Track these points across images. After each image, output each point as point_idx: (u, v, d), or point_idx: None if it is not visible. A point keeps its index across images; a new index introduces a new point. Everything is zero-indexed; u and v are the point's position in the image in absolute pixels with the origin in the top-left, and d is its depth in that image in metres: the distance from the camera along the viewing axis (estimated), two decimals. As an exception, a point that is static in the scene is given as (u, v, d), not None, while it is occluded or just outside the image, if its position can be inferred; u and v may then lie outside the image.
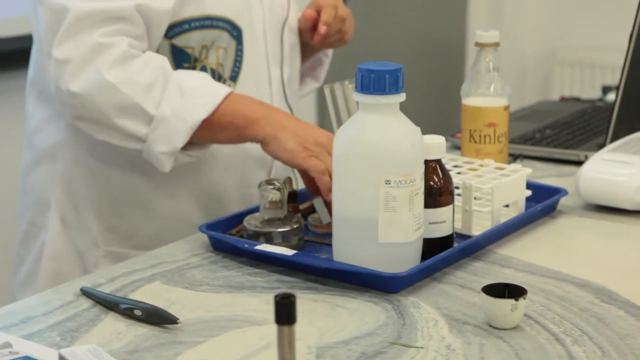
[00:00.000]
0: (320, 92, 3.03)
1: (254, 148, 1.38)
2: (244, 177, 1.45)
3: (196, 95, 1.29)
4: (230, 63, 1.40)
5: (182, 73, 1.32)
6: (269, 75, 1.45)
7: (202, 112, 1.29)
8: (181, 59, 1.38)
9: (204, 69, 1.39)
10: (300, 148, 1.27)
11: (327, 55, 1.64)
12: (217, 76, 1.40)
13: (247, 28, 1.41)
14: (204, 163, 1.42)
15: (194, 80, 1.31)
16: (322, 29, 1.47)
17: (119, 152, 1.38)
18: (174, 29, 1.36)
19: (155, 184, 1.42)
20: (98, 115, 1.30)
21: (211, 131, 1.31)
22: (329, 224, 1.25)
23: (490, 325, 1.05)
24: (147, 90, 1.28)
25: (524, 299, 1.03)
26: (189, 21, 1.36)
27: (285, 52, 1.48)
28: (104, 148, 1.40)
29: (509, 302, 1.03)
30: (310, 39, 1.52)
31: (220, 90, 1.31)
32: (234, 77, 1.41)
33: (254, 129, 1.30)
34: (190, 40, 1.37)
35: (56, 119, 1.43)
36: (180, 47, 1.37)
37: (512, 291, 1.05)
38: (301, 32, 1.53)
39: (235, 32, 1.40)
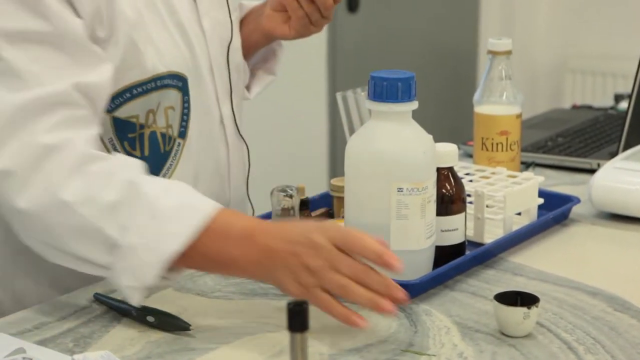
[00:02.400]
0: (332, 100, 3.03)
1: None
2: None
3: (170, 218, 1.04)
4: (177, 120, 1.24)
5: (154, 185, 1.06)
6: (220, 115, 1.31)
7: (174, 243, 1.03)
8: (125, 130, 1.20)
9: (152, 135, 1.22)
10: (296, 285, 1.02)
11: (281, 46, 1.46)
12: (167, 139, 1.24)
13: (192, 73, 1.25)
14: None
15: (170, 197, 1.05)
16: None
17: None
18: (115, 101, 1.17)
19: None
20: (50, 237, 1.06)
21: (188, 263, 1.06)
22: None
23: (503, 334, 1.05)
24: (111, 212, 1.03)
25: (537, 307, 1.03)
26: (130, 88, 1.18)
27: (233, 78, 1.33)
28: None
29: (521, 311, 1.02)
30: (284, 34, 1.37)
31: (198, 214, 1.04)
32: (182, 134, 1.25)
33: (238, 270, 1.07)
34: (134, 109, 1.19)
35: None
36: (123, 118, 1.19)
37: (524, 299, 1.05)
38: (270, 32, 1.38)
39: (180, 83, 1.23)
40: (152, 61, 1.19)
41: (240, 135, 1.37)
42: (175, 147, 1.26)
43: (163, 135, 1.24)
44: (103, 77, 1.12)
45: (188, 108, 1.26)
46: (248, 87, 1.45)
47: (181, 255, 1.03)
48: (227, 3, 1.34)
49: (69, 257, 1.07)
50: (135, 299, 1.05)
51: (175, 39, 1.24)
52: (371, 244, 1.01)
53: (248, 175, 1.41)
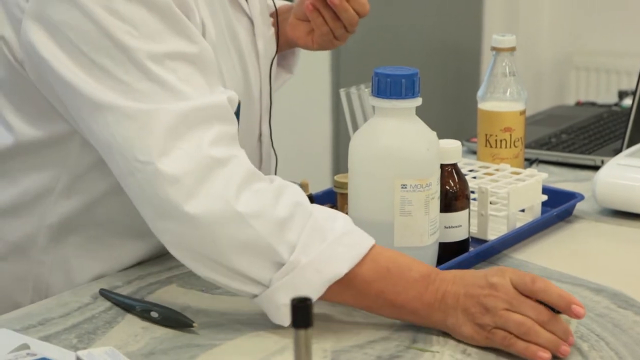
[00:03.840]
0: (336, 97, 3.03)
1: None
2: None
3: (340, 242, 1.02)
4: None
5: (322, 210, 1.05)
6: (259, 133, 1.31)
7: (342, 266, 1.01)
8: None
9: None
10: (473, 326, 1.00)
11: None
12: None
13: (244, 97, 1.22)
14: None
15: (338, 223, 1.04)
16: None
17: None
18: None
19: None
20: (213, 248, 1.01)
21: (344, 292, 1.03)
22: None
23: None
24: (281, 228, 1.01)
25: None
26: None
27: (273, 91, 1.32)
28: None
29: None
30: (306, 45, 1.35)
31: (368, 242, 1.04)
32: None
33: (404, 311, 1.04)
34: None
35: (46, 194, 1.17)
36: None
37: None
38: (293, 41, 1.36)
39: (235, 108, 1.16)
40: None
41: (273, 149, 1.36)
42: None
43: None
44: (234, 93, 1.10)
45: (237, 130, 1.21)
46: None
47: (344, 281, 1.01)
48: (277, 16, 1.33)
49: (226, 270, 1.02)
50: (287, 321, 1.02)
51: (234, 64, 1.23)
52: (558, 289, 1.00)
53: None
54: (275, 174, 1.38)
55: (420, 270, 1.03)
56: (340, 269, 1.01)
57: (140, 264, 1.24)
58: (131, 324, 1.07)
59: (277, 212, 1.01)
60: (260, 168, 1.34)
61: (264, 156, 1.34)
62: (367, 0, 1.30)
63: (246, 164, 1.04)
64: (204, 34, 1.14)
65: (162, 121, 1.01)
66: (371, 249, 1.03)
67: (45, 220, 1.20)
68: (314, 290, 1.01)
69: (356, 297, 1.03)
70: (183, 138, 1.02)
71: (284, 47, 1.40)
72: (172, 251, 1.05)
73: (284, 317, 1.02)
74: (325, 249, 1.02)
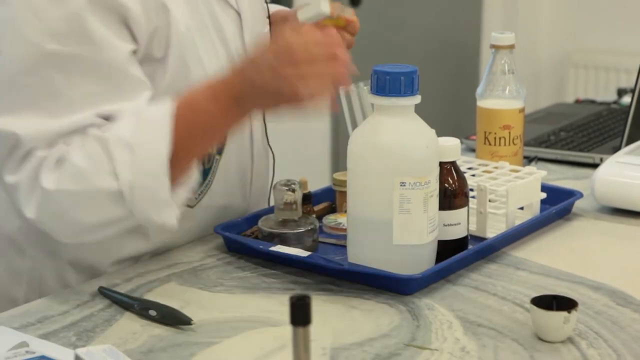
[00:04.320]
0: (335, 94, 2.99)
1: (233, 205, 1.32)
2: None
3: (144, 139, 1.08)
4: None
5: (115, 125, 1.10)
6: (250, 129, 1.31)
7: (162, 156, 1.08)
8: None
9: None
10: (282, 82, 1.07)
11: None
12: (208, 156, 1.25)
13: None
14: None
15: (129, 124, 1.10)
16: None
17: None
18: None
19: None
20: (69, 226, 1.12)
21: (186, 159, 1.11)
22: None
23: (540, 338, 1.04)
24: (95, 171, 1.08)
25: (576, 311, 1.01)
26: None
27: None
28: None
29: (561, 315, 1.00)
30: None
31: (162, 117, 1.09)
32: (220, 150, 1.27)
33: (228, 123, 1.13)
34: None
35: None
36: None
37: (560, 303, 1.02)
38: None
39: None
40: (198, 80, 1.16)
41: (269, 146, 1.37)
42: (214, 164, 1.27)
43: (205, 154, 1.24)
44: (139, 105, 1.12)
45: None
46: None
47: (174, 152, 1.08)
48: (268, 13, 1.33)
49: (96, 231, 1.11)
50: (173, 221, 1.10)
51: (219, 57, 1.23)
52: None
53: (271, 184, 1.40)
54: (274, 173, 1.39)
55: (207, 85, 1.11)
56: (161, 149, 1.07)
57: (136, 259, 1.24)
58: (130, 322, 1.07)
59: (83, 162, 1.08)
60: (251, 168, 1.34)
61: (256, 154, 1.34)
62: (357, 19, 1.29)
63: (61, 147, 1.09)
64: (169, 24, 1.15)
65: (22, 145, 1.10)
66: (171, 123, 1.08)
67: None
68: (162, 188, 1.08)
69: (187, 151, 1.11)
70: (33, 152, 1.11)
71: None
72: (62, 242, 1.16)
73: (171, 224, 1.10)
74: (138, 155, 1.07)
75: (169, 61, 1.17)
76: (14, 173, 1.11)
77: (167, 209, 1.09)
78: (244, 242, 1.24)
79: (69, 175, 1.09)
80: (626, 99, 2.04)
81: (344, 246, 1.21)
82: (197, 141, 1.12)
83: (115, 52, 1.11)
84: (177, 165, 1.09)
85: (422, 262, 1.15)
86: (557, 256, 1.25)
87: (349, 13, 1.25)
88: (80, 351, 0.93)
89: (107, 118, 1.11)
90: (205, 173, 1.26)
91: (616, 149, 1.56)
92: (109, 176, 1.08)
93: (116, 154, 1.08)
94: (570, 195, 1.40)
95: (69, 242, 1.17)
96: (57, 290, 1.21)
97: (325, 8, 1.17)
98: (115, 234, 1.14)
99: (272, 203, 1.41)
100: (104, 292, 1.13)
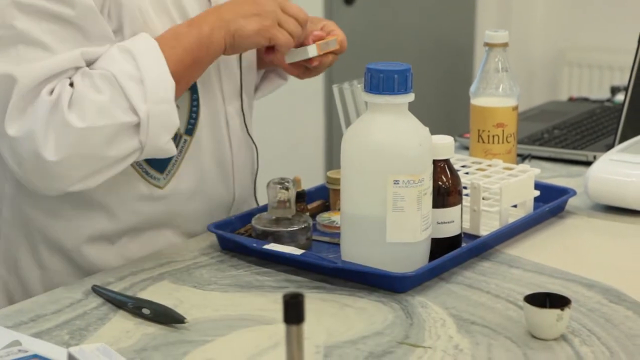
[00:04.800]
0: (328, 92, 3.02)
1: (214, 192, 1.33)
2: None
3: (147, 69, 1.16)
4: (185, 116, 1.28)
5: (115, 63, 1.16)
6: (225, 115, 1.32)
7: (168, 81, 1.16)
8: None
9: None
10: (258, 27, 1.21)
11: None
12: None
13: None
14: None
15: (127, 59, 1.16)
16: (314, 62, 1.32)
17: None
18: None
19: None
20: (92, 163, 1.15)
21: (183, 81, 1.20)
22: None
23: (533, 336, 1.04)
24: (114, 106, 1.14)
25: (569, 308, 1.01)
26: None
27: (245, 77, 1.35)
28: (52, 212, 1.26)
29: (554, 313, 1.00)
30: (298, 77, 1.37)
31: (153, 48, 1.17)
32: (189, 131, 1.28)
33: (210, 46, 1.21)
34: None
35: None
36: None
37: (553, 301, 1.02)
38: (269, 62, 1.38)
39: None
40: None
41: (250, 136, 1.37)
42: (181, 144, 1.28)
43: None
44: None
45: (197, 106, 1.28)
46: (256, 88, 1.46)
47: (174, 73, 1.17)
48: None
49: (112, 168, 1.16)
50: (173, 148, 1.19)
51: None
52: None
53: (256, 176, 1.41)
54: (258, 166, 1.39)
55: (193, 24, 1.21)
56: (168, 82, 1.16)
57: (111, 241, 1.25)
58: (123, 320, 1.07)
59: (102, 97, 1.14)
60: (231, 154, 1.34)
61: (234, 142, 1.34)
62: (345, 37, 1.34)
63: (68, 88, 1.14)
64: (119, 3, 1.19)
65: (18, 86, 1.13)
66: (160, 46, 1.18)
67: (4, 190, 1.25)
68: (171, 109, 1.16)
69: (186, 79, 1.21)
70: (35, 96, 1.14)
71: (262, 64, 1.42)
72: (64, 191, 1.17)
73: (171, 147, 1.19)
74: (147, 84, 1.15)
75: (125, 36, 1.20)
76: (20, 119, 1.12)
77: (172, 135, 1.18)
78: (237, 241, 1.24)
79: (93, 112, 1.13)
80: (619, 97, 2.04)
81: (338, 244, 1.21)
82: (187, 66, 1.20)
83: (83, 4, 1.15)
84: (177, 90, 1.17)
85: (415, 260, 1.15)
86: (551, 254, 1.25)
87: (333, 45, 1.31)
88: (74, 350, 0.93)
89: (92, 62, 1.16)
90: None
91: (609, 146, 1.56)
92: (128, 109, 1.14)
93: (127, 88, 1.14)
94: (563, 193, 1.40)
95: (77, 187, 1.16)
96: (38, 275, 1.25)
97: (313, 52, 1.28)
98: (120, 171, 1.18)
99: (258, 196, 1.42)
100: (97, 291, 1.13)
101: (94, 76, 1.15)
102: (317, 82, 3.07)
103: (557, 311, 1.01)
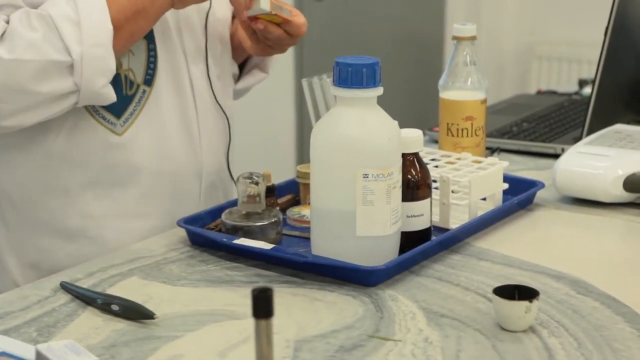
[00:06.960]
0: (299, 87, 3.01)
1: (181, 160, 1.34)
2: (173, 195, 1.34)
3: (87, 14, 1.18)
4: (142, 66, 1.29)
5: (55, 6, 1.18)
6: (189, 75, 1.33)
7: (107, 27, 1.18)
8: None
9: (116, 76, 1.25)
10: None
11: None
12: (129, 82, 1.28)
13: (156, 25, 1.28)
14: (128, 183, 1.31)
15: (68, 3, 1.19)
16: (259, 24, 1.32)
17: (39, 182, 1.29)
18: None
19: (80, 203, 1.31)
20: (22, 98, 1.18)
21: (126, 30, 1.21)
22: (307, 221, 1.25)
23: (502, 328, 1.05)
24: (46, 43, 1.17)
25: (538, 300, 1.02)
26: None
27: (211, 45, 1.36)
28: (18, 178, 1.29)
29: (523, 304, 1.01)
30: (249, 50, 1.38)
31: None
32: (148, 81, 1.29)
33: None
34: None
35: None
36: None
37: (522, 293, 1.03)
38: (239, 40, 1.41)
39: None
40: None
41: (219, 105, 1.38)
42: (139, 94, 1.29)
43: (126, 77, 1.27)
44: None
45: (155, 57, 1.30)
46: (238, 79, 1.46)
47: (114, 28, 1.19)
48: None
49: (44, 107, 1.19)
50: (112, 95, 1.22)
51: None
52: None
53: (229, 147, 1.41)
54: (230, 137, 1.39)
55: None
56: (107, 25, 1.19)
57: (100, 256, 1.24)
58: (92, 316, 1.06)
59: (34, 34, 1.17)
60: (197, 117, 1.35)
61: (200, 106, 1.35)
62: (305, 23, 1.35)
63: (1, 22, 1.18)
64: None
65: None
66: None
67: None
68: (108, 55, 1.19)
69: (129, 30, 1.22)
70: None
71: (239, 49, 1.42)
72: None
73: (109, 93, 1.22)
74: (84, 28, 1.18)
75: None
76: None
77: (109, 81, 1.20)
78: (207, 236, 1.24)
79: (22, 46, 1.16)
80: (587, 90, 2.06)
81: (308, 238, 1.21)
82: (131, 14, 1.21)
83: None
84: (115, 43, 1.20)
85: (385, 253, 1.15)
86: (519, 246, 1.26)
87: (287, 13, 1.31)
88: (41, 347, 0.92)
89: (37, 5, 1.19)
90: (127, 99, 1.28)
91: (577, 139, 1.57)
92: (61, 49, 1.17)
93: (63, 29, 1.17)
94: (532, 185, 1.41)
95: (10, 122, 1.20)
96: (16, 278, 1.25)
97: (265, 5, 1.28)
98: (58, 113, 1.21)
99: (231, 168, 1.41)
100: (65, 287, 1.12)
101: (31, 15, 1.18)
102: (287, 77, 3.06)
103: (525, 303, 1.01)
